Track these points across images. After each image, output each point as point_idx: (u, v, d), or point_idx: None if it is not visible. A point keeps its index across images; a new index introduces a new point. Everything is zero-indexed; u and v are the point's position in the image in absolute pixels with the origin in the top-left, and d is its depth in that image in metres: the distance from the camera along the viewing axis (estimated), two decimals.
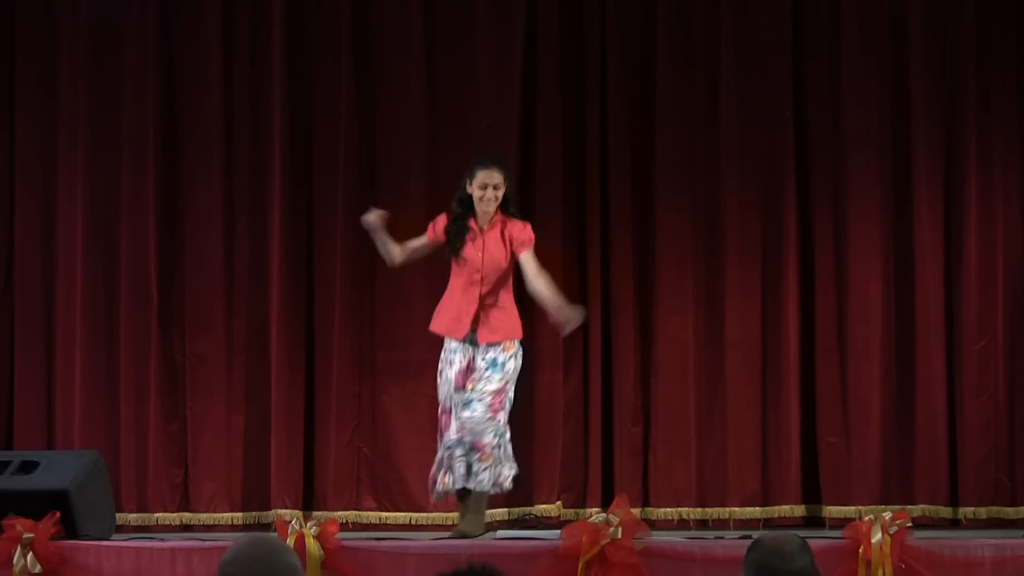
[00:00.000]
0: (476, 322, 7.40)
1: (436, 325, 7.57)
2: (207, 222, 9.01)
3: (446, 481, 7.39)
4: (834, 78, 8.75)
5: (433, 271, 8.15)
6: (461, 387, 7.37)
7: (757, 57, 8.79)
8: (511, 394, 7.40)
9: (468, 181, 7.40)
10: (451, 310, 7.47)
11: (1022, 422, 8.55)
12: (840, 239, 8.71)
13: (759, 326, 8.72)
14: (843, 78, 8.73)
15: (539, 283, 7.36)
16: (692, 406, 8.70)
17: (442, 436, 7.43)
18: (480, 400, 7.30)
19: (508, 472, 7.41)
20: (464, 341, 7.41)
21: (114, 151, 9.08)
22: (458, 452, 7.33)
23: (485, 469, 7.30)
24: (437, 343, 8.76)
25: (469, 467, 7.32)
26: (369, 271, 8.92)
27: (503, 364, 7.36)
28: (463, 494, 7.44)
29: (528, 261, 7.39)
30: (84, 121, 9.08)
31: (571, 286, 8.66)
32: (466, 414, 7.27)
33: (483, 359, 7.37)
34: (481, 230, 7.41)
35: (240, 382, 8.95)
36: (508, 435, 7.39)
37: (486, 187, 7.35)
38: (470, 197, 7.41)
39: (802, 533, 4.16)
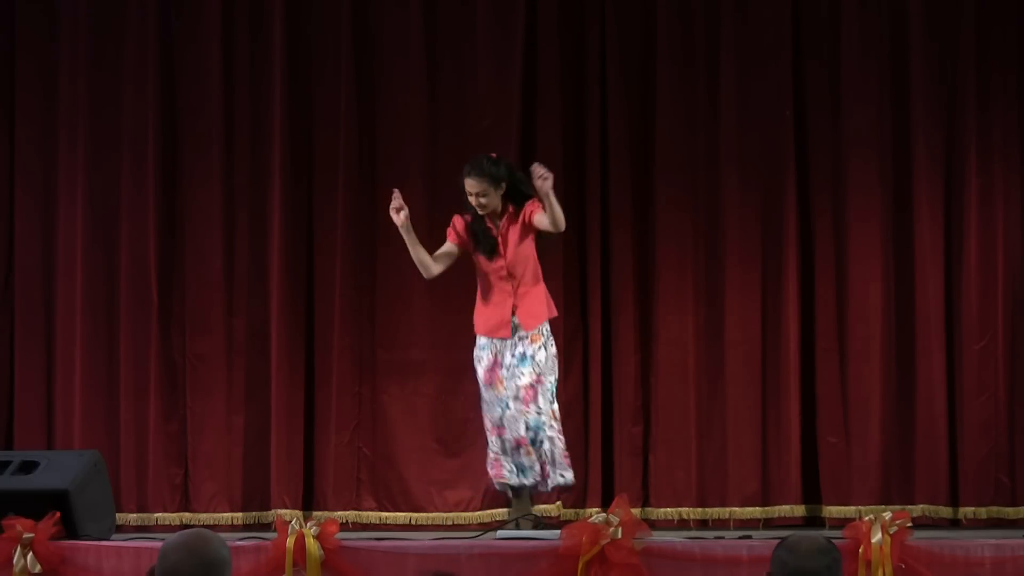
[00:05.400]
0: (515, 315, 7.41)
1: (479, 327, 7.52)
2: (207, 222, 9.00)
3: (504, 475, 7.41)
4: (834, 78, 8.75)
5: None
6: (489, 384, 7.40)
7: (757, 57, 8.79)
8: (550, 384, 7.38)
9: None
10: (488, 309, 7.48)
11: (1022, 422, 8.55)
12: (840, 239, 8.70)
13: (759, 326, 8.71)
14: (843, 78, 8.72)
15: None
16: (692, 406, 8.69)
17: (489, 432, 7.48)
18: (514, 397, 7.33)
19: (560, 473, 7.40)
20: (492, 337, 7.43)
21: (114, 150, 9.07)
22: (504, 455, 7.39)
23: (529, 465, 7.34)
24: (437, 343, 8.80)
25: (517, 465, 7.37)
26: (369, 271, 8.92)
27: (532, 356, 7.36)
28: (517, 491, 7.48)
29: (542, 218, 7.32)
30: (84, 120, 9.07)
31: (571, 286, 8.69)
32: (508, 413, 7.33)
33: (512, 355, 7.39)
34: (497, 227, 7.44)
35: (240, 382, 8.94)
36: (553, 432, 7.34)
37: (470, 195, 7.39)
38: None
39: None
